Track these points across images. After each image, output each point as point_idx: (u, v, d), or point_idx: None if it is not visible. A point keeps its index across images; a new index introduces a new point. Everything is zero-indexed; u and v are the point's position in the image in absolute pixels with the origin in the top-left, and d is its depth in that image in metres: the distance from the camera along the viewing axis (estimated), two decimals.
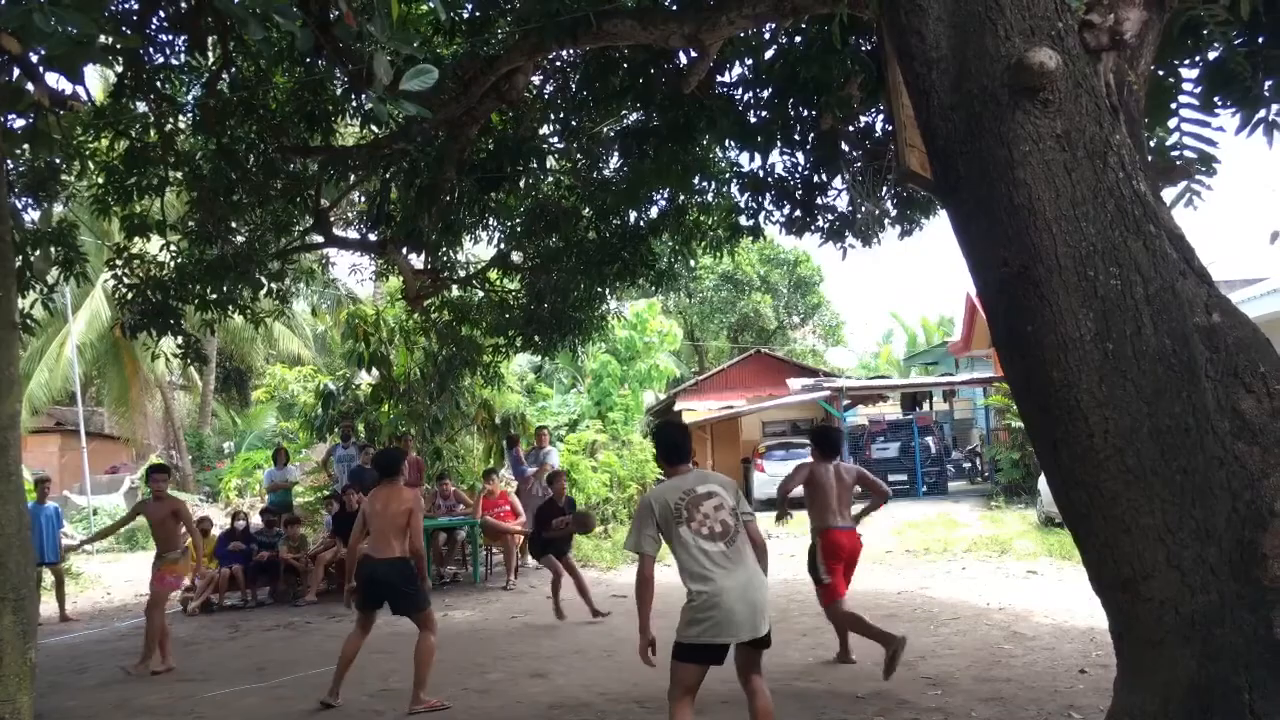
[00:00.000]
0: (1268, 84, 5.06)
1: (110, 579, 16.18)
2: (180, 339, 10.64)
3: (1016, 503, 18.49)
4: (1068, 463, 3.29)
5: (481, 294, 13.24)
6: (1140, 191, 3.32)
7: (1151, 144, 5.24)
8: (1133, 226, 3.25)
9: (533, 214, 11.04)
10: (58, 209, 10.74)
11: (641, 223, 10.93)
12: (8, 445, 3.90)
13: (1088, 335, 3.19)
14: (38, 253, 8.70)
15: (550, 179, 11.05)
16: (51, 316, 18.99)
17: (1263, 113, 5.11)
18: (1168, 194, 4.82)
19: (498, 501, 13.39)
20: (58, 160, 8.48)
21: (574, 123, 9.68)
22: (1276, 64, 4.96)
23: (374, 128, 8.91)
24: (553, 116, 9.83)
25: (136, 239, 9.97)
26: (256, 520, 14.92)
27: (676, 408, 29.40)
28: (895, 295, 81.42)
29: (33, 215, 9.33)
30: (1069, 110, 3.30)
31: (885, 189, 9.05)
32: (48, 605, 11.73)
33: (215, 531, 13.51)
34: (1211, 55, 5.21)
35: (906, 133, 4.14)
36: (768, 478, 23.05)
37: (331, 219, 11.59)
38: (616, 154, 10.10)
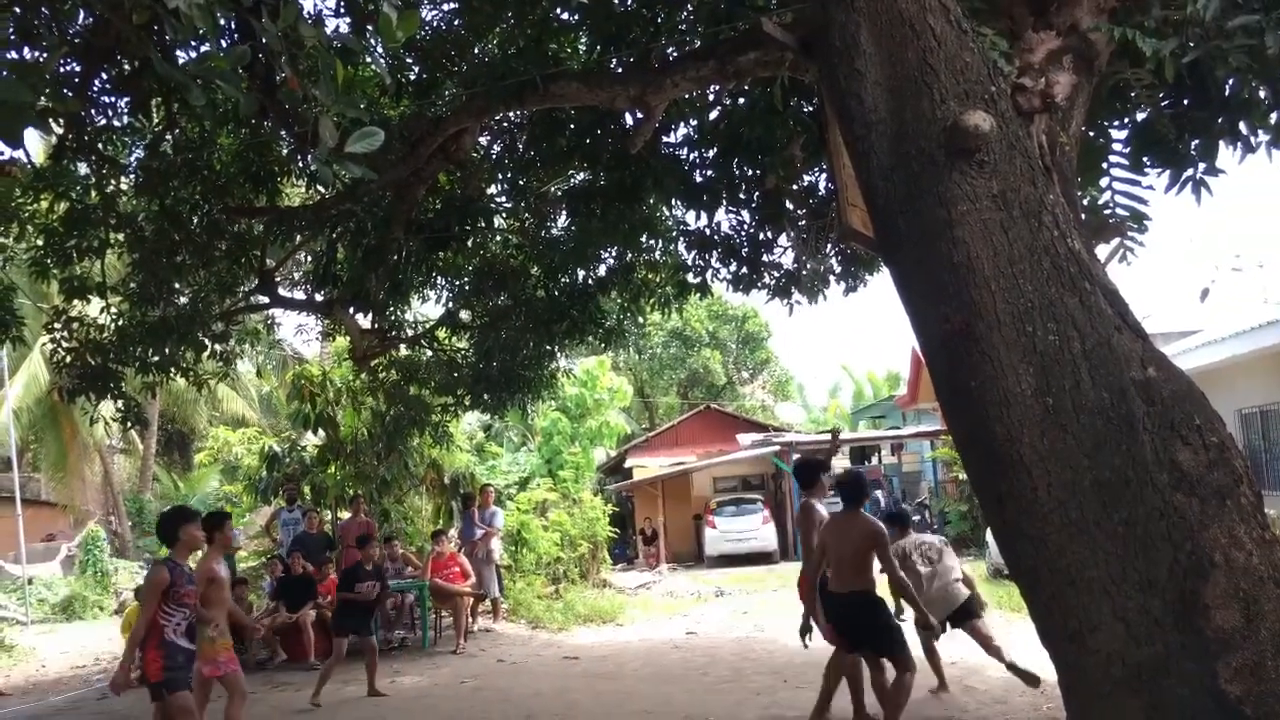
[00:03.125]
0: (1194, 144, 5.23)
1: (45, 651, 15.61)
2: (120, 403, 10.42)
3: (965, 554, 18.58)
4: (1013, 516, 3.32)
5: (430, 353, 13.16)
6: (1075, 249, 3.40)
7: (1085, 202, 5.39)
8: (1069, 283, 3.33)
9: (481, 273, 11.04)
10: None
11: (590, 281, 10.97)
12: None
13: (1028, 390, 3.24)
14: None
15: (498, 238, 11.07)
16: None
17: (1190, 171, 5.28)
18: (1102, 251, 4.94)
19: (446, 563, 13.18)
20: None
21: (521, 182, 9.73)
22: (1201, 125, 5.14)
23: (320, 188, 8.89)
24: (500, 176, 9.88)
25: (76, 301, 9.81)
26: None
27: (627, 464, 29.30)
28: (843, 349, 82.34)
29: None
30: (1004, 171, 3.39)
31: (829, 246, 9.19)
32: None
33: None
34: (1140, 117, 5.39)
35: (848, 192, 4.22)
36: (719, 534, 23.00)
37: (277, 279, 11.49)
38: (564, 213, 10.16)
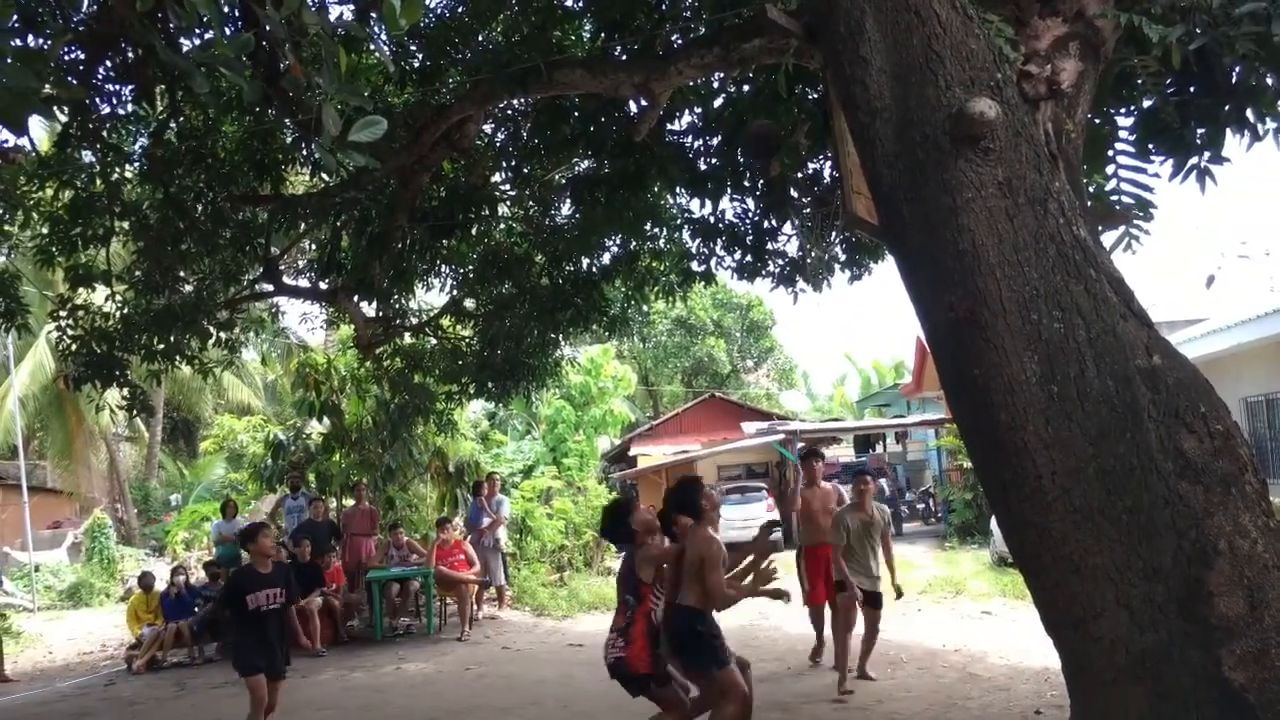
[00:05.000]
0: (1200, 132, 5.21)
1: (53, 637, 15.69)
2: (125, 390, 10.44)
3: (970, 543, 18.61)
4: (1017, 504, 3.33)
5: (434, 341, 13.17)
6: (1080, 237, 3.40)
7: (1090, 190, 5.37)
8: (1074, 271, 3.32)
9: (485, 261, 11.03)
10: (0, 259, 10.55)
11: (594, 269, 10.96)
12: None
13: (1033, 378, 3.24)
14: None
15: (502, 226, 11.06)
16: None
17: (1195, 160, 5.25)
18: (1107, 239, 4.93)
19: (451, 550, 13.21)
20: (0, 211, 8.34)
21: (525, 170, 9.71)
22: (1206, 113, 5.12)
23: (324, 176, 8.89)
24: (504, 164, 9.87)
25: (81, 289, 9.81)
26: (201, 575, 14.60)
27: (631, 452, 29.35)
28: (848, 338, 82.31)
29: None
30: (1009, 158, 3.38)
31: (834, 234, 9.17)
32: None
33: (159, 586, 13.18)
34: (1145, 104, 5.36)
35: (853, 180, 4.21)
36: (723, 522, 22.98)
37: (281, 267, 11.50)
38: (568, 201, 10.14)
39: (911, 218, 3.51)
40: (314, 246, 12.69)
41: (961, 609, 12.46)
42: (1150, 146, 5.35)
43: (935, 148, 3.42)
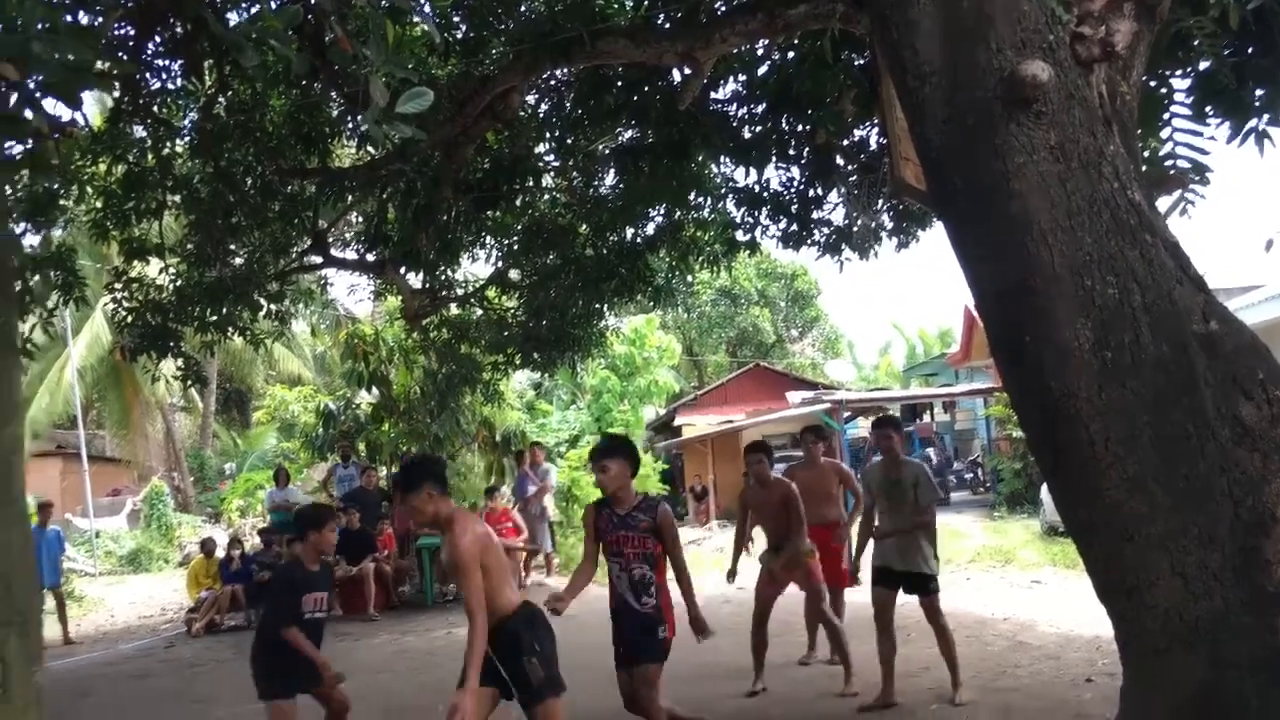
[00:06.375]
0: (1257, 93, 5.08)
1: (114, 601, 16.13)
2: (180, 361, 10.64)
3: (1019, 513, 18.45)
4: (1069, 472, 3.30)
5: (480, 312, 13.25)
6: (1135, 201, 3.33)
7: (1145, 154, 5.27)
8: (1129, 236, 3.26)
9: (530, 232, 11.06)
10: (57, 233, 10.75)
11: (638, 239, 10.94)
12: (11, 470, 3.90)
13: (1086, 344, 3.19)
14: (37, 277, 8.69)
15: (546, 197, 11.07)
16: (52, 340, 19.07)
17: (1253, 122, 5.14)
18: (1162, 203, 4.84)
19: (499, 518, 13.37)
20: (56, 185, 8.49)
21: (569, 140, 9.69)
22: (1264, 74, 4.99)
23: (370, 148, 8.94)
24: (548, 134, 9.86)
25: (135, 262, 9.98)
26: (256, 542, 14.92)
27: (676, 422, 29.39)
28: (894, 306, 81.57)
29: (32, 240, 9.34)
30: (1062, 121, 3.32)
31: (881, 202, 9.07)
32: (50, 629, 11.70)
33: (219, 554, 13.51)
34: (1202, 66, 5.24)
35: (900, 146, 4.17)
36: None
37: (329, 240, 11.61)
38: (612, 171, 10.11)
39: (961, 184, 3.46)
40: (361, 219, 12.79)
41: (1011, 578, 12.40)
42: (1207, 109, 5.24)
43: (986, 112, 3.37)
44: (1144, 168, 4.46)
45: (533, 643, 4.50)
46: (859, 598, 7.73)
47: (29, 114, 3.11)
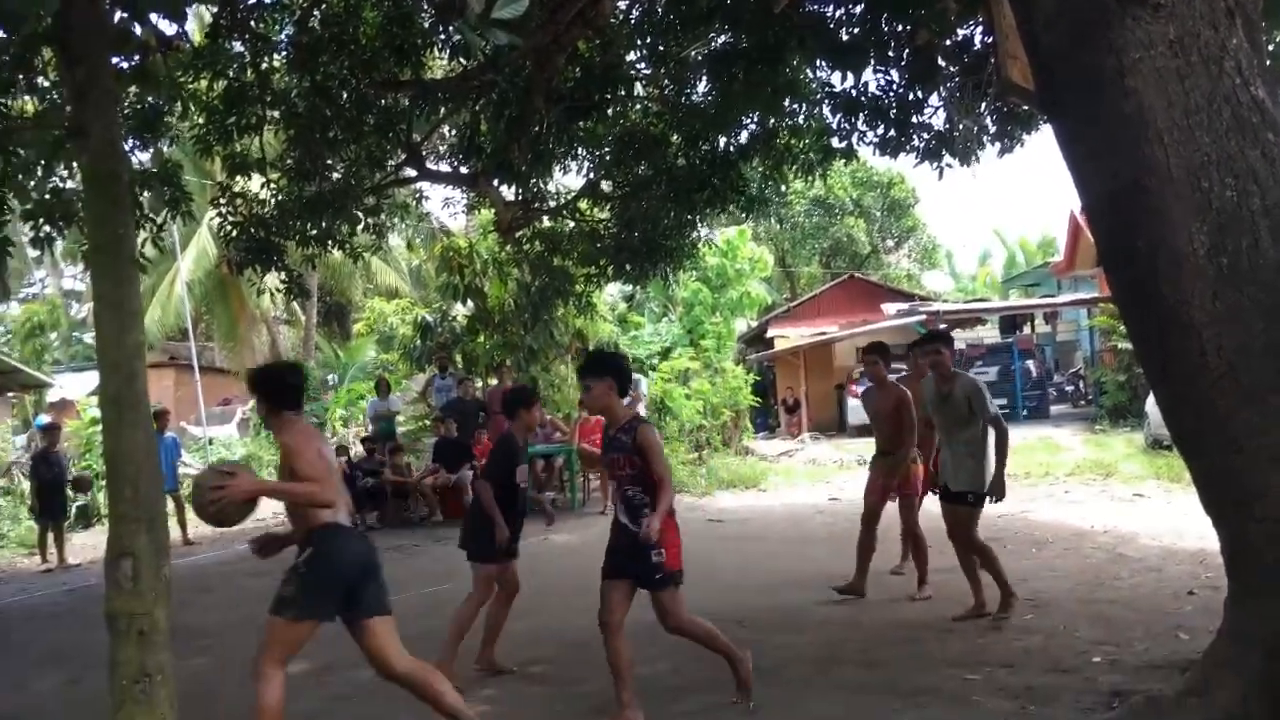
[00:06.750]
0: None
1: None
2: (283, 274, 10.92)
3: (1122, 426, 18.02)
4: (1179, 382, 3.21)
5: (572, 224, 13.27)
6: (1259, 98, 3.16)
7: (1270, 48, 4.97)
8: (1250, 135, 3.11)
9: (621, 142, 10.97)
10: (164, 149, 11.04)
11: (731, 148, 10.77)
12: (134, 374, 4.12)
13: (1201, 249, 3.08)
14: (148, 192, 8.97)
15: (638, 106, 10.95)
16: (162, 254, 19.74)
17: None
18: None
19: (593, 429, 13.56)
20: (161, 101, 8.69)
21: (661, 47, 9.54)
22: None
23: (462, 59, 8.92)
24: (640, 42, 9.71)
25: (238, 177, 10.22)
26: (359, 450, 15.44)
27: (769, 334, 29.25)
28: (995, 214, 79.14)
29: (140, 156, 9.61)
30: (1182, 14, 3.15)
31: (984, 104, 8.77)
32: (170, 530, 12.37)
33: None
34: None
35: (1008, 44, 4.01)
36: (860, 404, 22.85)
37: (423, 153, 11.69)
38: (704, 78, 9.93)
39: (1073, 82, 3.33)
40: (454, 132, 12.84)
41: (1112, 491, 12.18)
42: None
43: (1100, 6, 3.21)
44: (1269, 62, 4.22)
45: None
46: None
47: (137, 29, 3.18)
